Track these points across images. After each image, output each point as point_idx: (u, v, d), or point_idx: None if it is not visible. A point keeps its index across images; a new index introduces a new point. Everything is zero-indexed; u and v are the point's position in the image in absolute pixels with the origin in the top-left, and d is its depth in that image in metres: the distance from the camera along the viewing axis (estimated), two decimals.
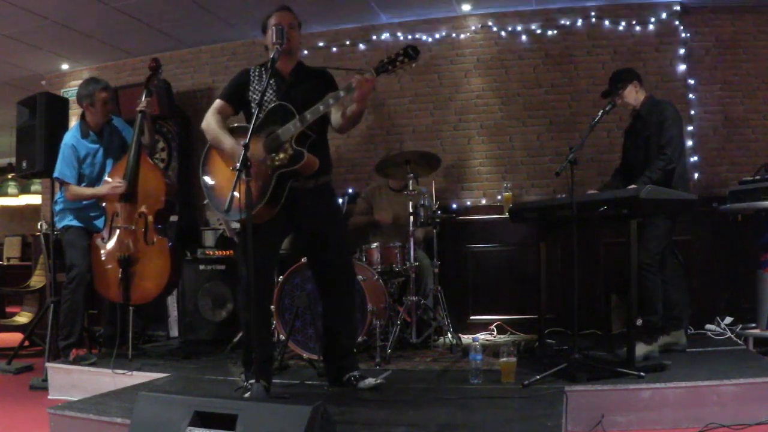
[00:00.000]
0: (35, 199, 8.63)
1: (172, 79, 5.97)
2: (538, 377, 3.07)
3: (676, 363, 3.34)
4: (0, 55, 5.98)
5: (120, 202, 4.01)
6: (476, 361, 3.22)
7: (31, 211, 8.98)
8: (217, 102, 3.18)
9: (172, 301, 5.20)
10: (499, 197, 5.31)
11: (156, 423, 2.21)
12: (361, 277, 3.90)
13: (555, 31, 5.36)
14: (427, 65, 5.50)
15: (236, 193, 2.57)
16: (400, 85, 5.61)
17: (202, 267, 4.98)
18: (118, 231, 4.02)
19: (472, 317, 5.23)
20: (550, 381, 3.05)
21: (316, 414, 2.02)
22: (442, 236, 4.73)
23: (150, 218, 4.02)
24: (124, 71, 6.32)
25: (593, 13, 5.29)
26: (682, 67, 5.15)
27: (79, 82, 4.45)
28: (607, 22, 5.27)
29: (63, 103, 4.97)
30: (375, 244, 4.38)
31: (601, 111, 3.54)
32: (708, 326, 4.45)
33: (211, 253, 5.01)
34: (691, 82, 5.16)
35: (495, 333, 5.03)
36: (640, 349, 3.43)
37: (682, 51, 5.16)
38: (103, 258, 4.05)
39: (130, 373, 3.68)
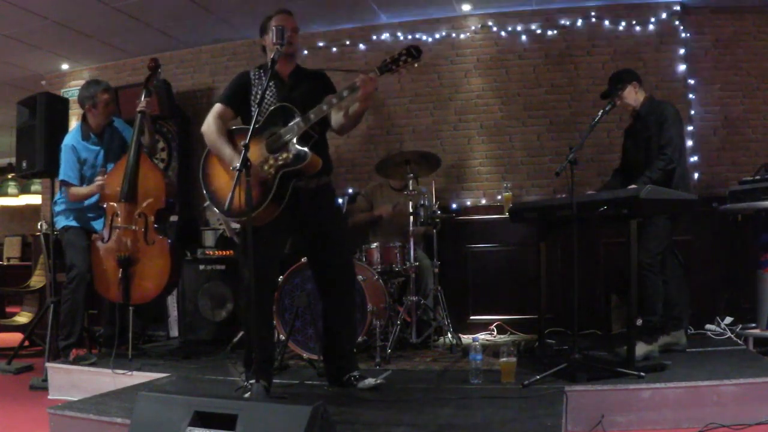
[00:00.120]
0: (35, 199, 8.63)
1: (172, 79, 5.97)
2: (538, 377, 3.07)
3: (676, 363, 3.34)
4: (0, 55, 5.98)
5: (120, 202, 4.01)
6: (476, 361, 3.22)
7: (31, 211, 8.98)
8: (218, 106, 3.17)
9: (172, 301, 5.20)
10: (499, 197, 5.31)
11: (156, 423, 2.21)
12: (361, 277, 3.90)
13: (555, 31, 5.36)
14: (427, 65, 5.50)
15: (236, 195, 2.58)
16: (400, 85, 5.62)
17: (202, 267, 4.98)
18: (117, 231, 4.02)
19: (472, 317, 5.23)
20: (550, 381, 3.05)
21: (316, 414, 2.01)
22: (442, 236, 4.73)
23: (150, 218, 4.02)
24: (124, 71, 6.31)
25: (593, 13, 5.29)
26: (682, 67, 5.15)
27: (80, 82, 4.46)
28: (607, 22, 5.27)
29: (63, 103, 4.97)
30: (375, 244, 4.38)
31: (601, 111, 3.54)
32: (708, 326, 4.45)
33: (211, 253, 5.01)
34: (691, 82, 5.16)
35: (495, 333, 5.03)
36: (640, 349, 3.43)
37: (682, 51, 5.16)
38: (103, 258, 4.05)
39: (130, 373, 3.67)
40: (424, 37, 5.54)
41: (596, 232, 4.94)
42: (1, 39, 5.57)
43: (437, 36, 5.56)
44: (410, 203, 4.32)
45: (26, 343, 5.27)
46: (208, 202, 3.14)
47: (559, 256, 4.95)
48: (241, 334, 4.29)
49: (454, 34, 5.56)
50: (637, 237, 3.31)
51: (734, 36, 5.15)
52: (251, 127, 2.71)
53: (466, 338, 4.52)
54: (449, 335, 4.28)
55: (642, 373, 3.04)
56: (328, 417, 2.11)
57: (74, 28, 5.47)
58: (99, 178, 4.03)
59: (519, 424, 2.47)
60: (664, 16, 5.17)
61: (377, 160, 4.80)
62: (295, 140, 2.94)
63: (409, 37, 5.56)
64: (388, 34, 5.64)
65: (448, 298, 4.49)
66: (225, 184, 3.04)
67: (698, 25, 5.19)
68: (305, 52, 5.63)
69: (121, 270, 3.96)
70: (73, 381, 3.85)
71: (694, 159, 5.03)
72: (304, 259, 3.96)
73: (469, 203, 5.45)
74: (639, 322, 3.67)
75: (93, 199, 4.13)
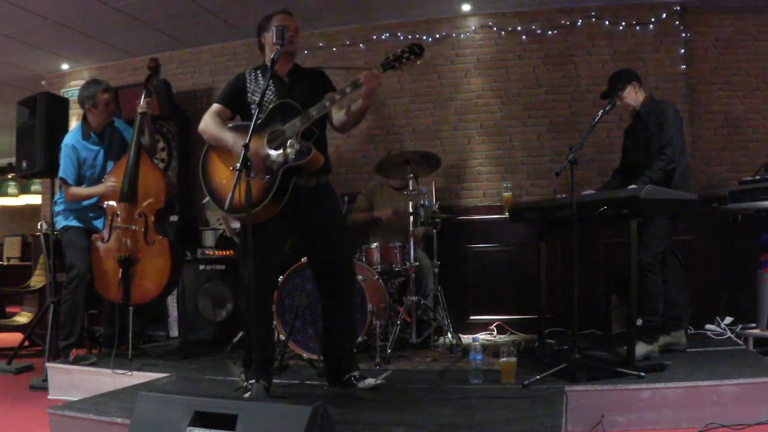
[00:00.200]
0: (35, 199, 8.63)
1: (172, 79, 5.97)
2: (538, 377, 3.07)
3: (676, 363, 3.34)
4: (0, 55, 5.98)
5: (120, 202, 4.01)
6: (476, 361, 3.22)
7: (31, 211, 8.99)
8: (215, 105, 3.17)
9: (172, 301, 5.20)
10: (499, 197, 5.31)
11: (156, 423, 2.21)
12: (361, 277, 3.90)
13: (555, 31, 5.36)
14: (427, 65, 5.50)
15: (236, 192, 2.58)
16: (400, 85, 5.62)
17: (202, 267, 4.98)
18: (117, 231, 4.02)
19: (472, 317, 5.23)
20: (550, 381, 3.05)
21: (316, 414, 2.01)
22: (442, 236, 4.73)
23: (150, 218, 4.03)
24: (124, 71, 6.31)
25: (593, 13, 5.28)
26: (682, 67, 5.15)
27: (79, 82, 4.47)
28: (607, 22, 5.27)
29: (63, 103, 4.97)
30: (375, 244, 4.38)
31: (601, 111, 3.54)
32: (708, 326, 4.45)
33: (211, 253, 5.01)
34: (691, 82, 5.15)
35: (495, 333, 5.03)
36: (640, 349, 3.43)
37: (682, 51, 5.16)
38: (102, 258, 4.05)
39: (130, 373, 3.67)
40: (424, 37, 5.54)
41: (596, 232, 4.94)
42: (1, 39, 5.57)
43: (437, 36, 5.56)
44: (410, 203, 4.32)
45: (26, 343, 5.27)
46: (207, 198, 3.14)
47: (559, 256, 4.95)
48: (241, 334, 4.29)
49: (454, 34, 5.55)
50: (637, 237, 3.31)
51: (734, 36, 5.14)
52: (251, 127, 2.70)
53: (466, 338, 4.52)
54: (449, 335, 4.28)
55: (642, 373, 3.04)
56: (328, 417, 2.11)
57: (74, 28, 5.47)
58: (112, 179, 4.02)
59: (519, 424, 2.47)
60: (664, 16, 5.17)
61: (377, 160, 4.80)
62: (297, 136, 2.95)
63: (409, 37, 5.56)
64: (388, 34, 5.63)
65: (448, 298, 4.49)
66: (225, 180, 3.03)
67: (698, 25, 5.19)
68: (305, 52, 5.63)
69: (121, 270, 3.96)
70: (73, 381, 3.85)
71: (694, 159, 5.03)
72: (304, 259, 3.96)
73: (469, 203, 5.45)
74: (639, 322, 3.67)
75: (93, 199, 4.14)
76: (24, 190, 9.21)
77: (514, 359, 3.19)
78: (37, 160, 4.59)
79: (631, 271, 3.28)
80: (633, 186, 3.46)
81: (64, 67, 6.51)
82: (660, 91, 4.90)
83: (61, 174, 4.10)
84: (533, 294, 4.27)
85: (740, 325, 4.33)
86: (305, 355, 3.93)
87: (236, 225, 4.42)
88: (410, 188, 4.35)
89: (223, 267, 4.94)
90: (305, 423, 1.98)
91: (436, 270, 4.51)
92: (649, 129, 3.75)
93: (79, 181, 4.12)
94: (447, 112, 5.55)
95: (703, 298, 4.68)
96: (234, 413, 2.10)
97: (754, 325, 4.24)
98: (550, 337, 4.30)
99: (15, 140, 4.96)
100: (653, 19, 5.19)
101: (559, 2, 5.30)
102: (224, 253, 4.97)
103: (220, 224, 5.22)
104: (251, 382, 2.78)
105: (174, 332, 5.26)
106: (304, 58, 5.58)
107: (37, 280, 5.95)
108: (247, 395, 2.74)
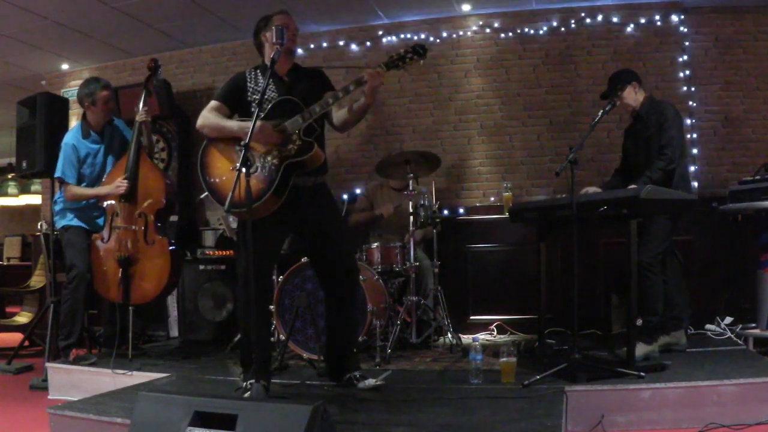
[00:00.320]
0: (35, 199, 8.63)
1: (172, 79, 5.97)
2: (538, 377, 3.07)
3: (676, 363, 3.34)
4: (0, 55, 5.98)
5: (120, 202, 4.01)
6: (476, 361, 3.22)
7: (31, 211, 8.98)
8: (213, 102, 3.18)
9: (172, 301, 5.20)
10: (499, 197, 5.31)
11: (156, 423, 2.21)
12: (361, 277, 3.90)
13: (555, 31, 5.36)
14: (427, 65, 5.47)
15: (236, 192, 2.58)
16: (400, 85, 5.62)
17: (202, 267, 4.98)
18: (117, 231, 4.02)
19: (472, 317, 5.23)
20: (550, 381, 3.05)
21: (316, 414, 2.01)
22: (442, 236, 4.72)
23: (150, 218, 4.03)
24: (124, 71, 6.31)
25: (593, 13, 5.29)
26: (682, 67, 5.15)
27: (79, 82, 4.45)
28: (606, 23, 5.27)
29: (63, 103, 4.97)
30: (375, 244, 4.38)
31: (601, 111, 3.54)
32: (708, 326, 4.45)
33: (211, 253, 5.01)
34: (691, 82, 5.16)
35: (495, 333, 5.02)
36: (640, 349, 3.43)
37: (682, 51, 5.16)
38: (103, 258, 4.05)
39: (130, 373, 3.67)
40: (424, 37, 5.54)
41: (596, 232, 4.94)
42: (1, 39, 5.57)
43: (437, 36, 5.56)
44: (410, 203, 4.32)
45: (26, 343, 5.27)
46: (205, 194, 3.12)
47: (559, 256, 4.94)
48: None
49: (454, 34, 5.55)
50: (638, 237, 3.31)
51: (734, 36, 5.14)
52: (251, 127, 2.71)
53: (466, 338, 4.52)
54: (449, 335, 4.28)
55: (642, 373, 3.04)
56: (328, 417, 2.11)
57: (74, 28, 5.47)
58: (120, 180, 4.00)
59: (519, 424, 2.47)
60: (664, 16, 5.17)
61: (377, 160, 4.80)
62: (300, 132, 2.95)
63: (409, 37, 5.57)
64: (388, 34, 5.63)
65: (448, 298, 4.49)
66: (225, 176, 3.01)
67: (698, 25, 5.19)
68: (304, 52, 5.63)
69: (121, 270, 3.96)
70: (73, 381, 3.85)
71: (694, 159, 5.03)
72: (304, 259, 3.97)
73: (469, 203, 5.45)
74: (639, 322, 3.67)
75: (93, 199, 4.14)
76: (24, 190, 9.21)
77: (514, 359, 3.19)
78: (37, 160, 4.60)
79: (631, 271, 3.28)
80: (633, 186, 3.46)
81: (64, 67, 6.51)
82: (660, 91, 4.90)
83: (58, 173, 4.10)
84: (533, 294, 4.27)
85: (740, 325, 4.33)
86: (305, 355, 3.93)
87: (236, 225, 4.42)
88: (410, 188, 4.35)
89: (223, 267, 4.94)
90: (305, 423, 1.98)
91: (436, 270, 4.51)
92: (649, 129, 3.75)
93: (79, 180, 4.12)
94: (447, 112, 5.55)
95: (703, 298, 4.68)
96: (234, 413, 2.10)
97: (754, 325, 4.24)
98: (550, 337, 4.30)
99: (15, 140, 4.96)
100: (653, 19, 5.19)
101: (559, 2, 5.29)
102: (224, 253, 4.97)
103: (220, 224, 5.22)
104: (250, 382, 2.78)
105: (174, 332, 5.26)
106: (303, 58, 5.59)
107: (37, 280, 5.95)
108: (247, 395, 2.74)
